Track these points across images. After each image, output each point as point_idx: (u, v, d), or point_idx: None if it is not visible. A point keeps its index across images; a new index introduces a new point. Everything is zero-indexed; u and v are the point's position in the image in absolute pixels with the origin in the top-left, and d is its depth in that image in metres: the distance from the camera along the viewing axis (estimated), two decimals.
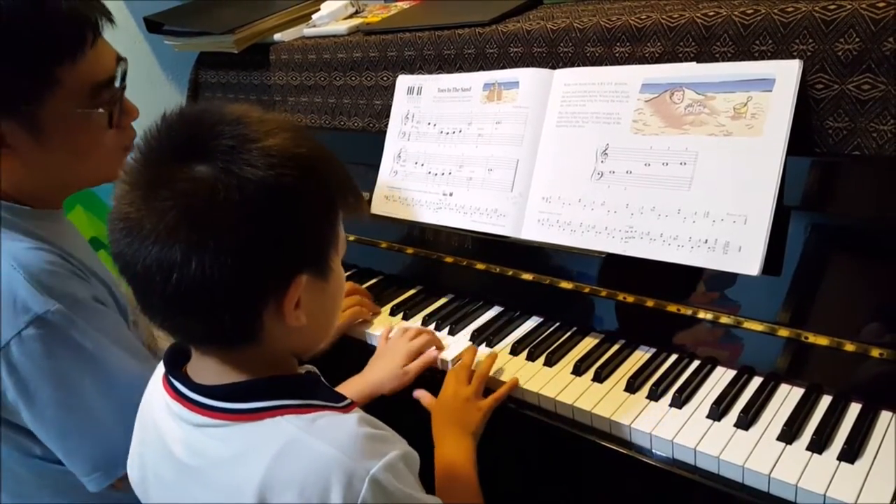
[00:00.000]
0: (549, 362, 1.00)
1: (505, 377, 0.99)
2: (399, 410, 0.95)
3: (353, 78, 1.43)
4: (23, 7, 0.77)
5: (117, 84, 0.87)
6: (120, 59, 0.88)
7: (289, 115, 1.58)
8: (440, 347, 1.07)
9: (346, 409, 0.67)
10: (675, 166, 0.96)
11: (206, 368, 0.67)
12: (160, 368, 0.73)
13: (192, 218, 0.56)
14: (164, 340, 1.06)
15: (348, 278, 1.35)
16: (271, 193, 0.57)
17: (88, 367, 0.83)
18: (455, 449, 0.88)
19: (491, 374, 0.99)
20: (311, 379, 0.71)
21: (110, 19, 0.86)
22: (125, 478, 0.77)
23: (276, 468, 0.60)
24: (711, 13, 0.96)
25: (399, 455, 0.62)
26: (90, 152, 0.87)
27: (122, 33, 1.88)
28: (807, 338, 0.86)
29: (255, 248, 0.57)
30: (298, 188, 0.59)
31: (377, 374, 1.00)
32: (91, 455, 0.85)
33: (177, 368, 0.69)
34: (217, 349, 0.65)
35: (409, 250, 1.28)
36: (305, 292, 0.62)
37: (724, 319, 0.93)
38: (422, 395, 0.99)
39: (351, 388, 0.98)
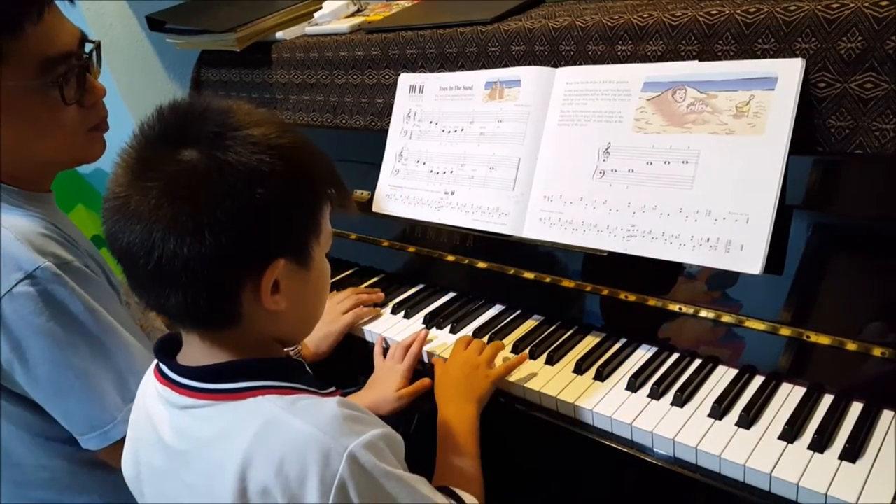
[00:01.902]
0: (551, 361, 1.00)
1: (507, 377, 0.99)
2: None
3: (355, 76, 1.43)
4: None
5: (77, 61, 0.86)
6: (86, 40, 0.88)
7: (290, 113, 1.58)
8: (423, 339, 1.08)
9: (328, 395, 0.68)
10: (678, 165, 0.95)
11: (193, 353, 0.69)
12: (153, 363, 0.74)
13: (174, 197, 0.59)
14: (159, 333, 1.07)
15: (350, 276, 1.35)
16: (251, 177, 0.60)
17: (79, 326, 0.84)
18: (459, 412, 0.89)
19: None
20: (296, 364, 0.72)
21: None
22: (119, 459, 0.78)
23: (256, 446, 0.61)
24: (714, 12, 0.96)
25: (379, 434, 0.63)
26: (50, 129, 0.87)
27: (124, 31, 1.88)
28: (808, 337, 0.86)
29: (232, 228, 0.59)
30: (278, 174, 0.61)
31: (372, 399, 1.01)
32: (86, 414, 0.86)
33: (167, 356, 0.71)
34: (201, 330, 0.67)
35: (411, 249, 1.28)
36: (285, 278, 0.64)
37: (726, 318, 0.93)
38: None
39: None
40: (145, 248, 0.59)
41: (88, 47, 0.89)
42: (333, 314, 1.17)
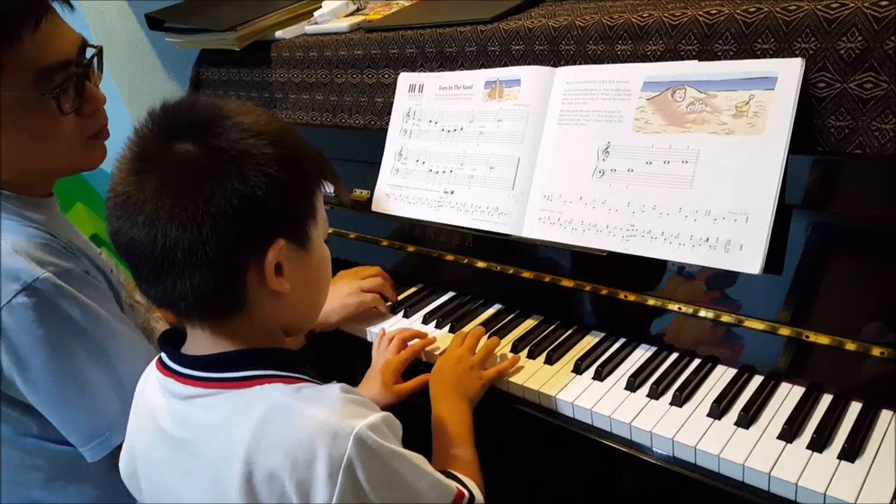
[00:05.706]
0: (550, 360, 1.00)
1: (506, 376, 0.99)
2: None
3: (355, 75, 1.43)
4: None
5: (76, 69, 0.85)
6: (87, 45, 0.87)
7: (290, 112, 1.58)
8: (429, 342, 1.08)
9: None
10: (677, 165, 0.95)
11: (198, 344, 0.69)
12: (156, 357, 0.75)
13: (172, 186, 0.61)
14: (162, 328, 1.07)
15: None
16: (242, 160, 0.62)
17: (79, 334, 0.84)
18: (452, 410, 0.90)
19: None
20: (298, 355, 0.73)
21: (67, 2, 0.85)
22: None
23: (261, 432, 0.62)
24: (713, 11, 0.96)
25: (381, 416, 0.65)
26: (48, 138, 0.86)
27: (124, 30, 1.89)
28: (807, 336, 0.86)
29: (229, 210, 0.61)
30: (269, 156, 0.63)
31: (371, 394, 0.99)
32: (87, 423, 0.86)
33: (171, 347, 0.71)
34: (208, 320, 0.68)
35: (410, 248, 1.28)
36: (287, 260, 0.66)
37: (725, 318, 0.93)
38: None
39: None
40: (149, 238, 0.61)
41: (90, 52, 0.88)
42: (353, 287, 1.16)
